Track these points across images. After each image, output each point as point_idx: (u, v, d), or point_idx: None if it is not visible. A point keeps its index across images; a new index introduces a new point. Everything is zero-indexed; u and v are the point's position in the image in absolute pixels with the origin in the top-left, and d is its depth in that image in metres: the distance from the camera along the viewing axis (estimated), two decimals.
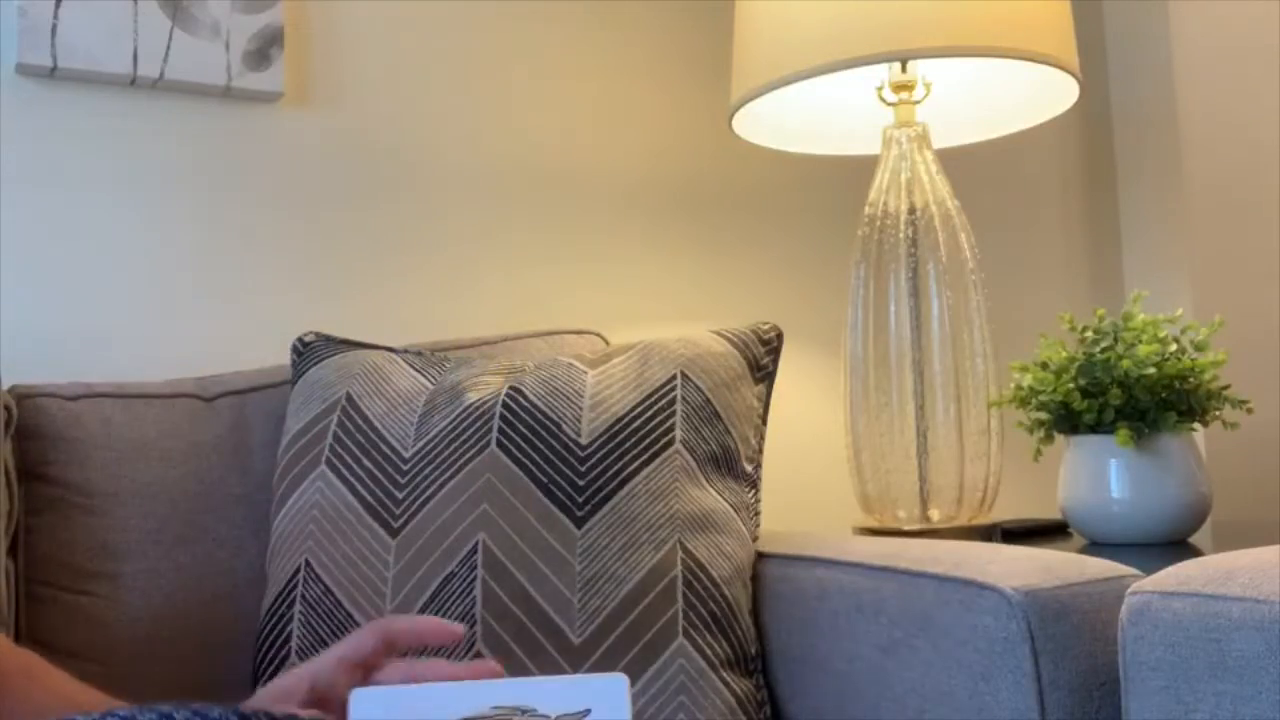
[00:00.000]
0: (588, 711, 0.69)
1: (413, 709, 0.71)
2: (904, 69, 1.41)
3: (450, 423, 1.06)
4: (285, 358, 1.28)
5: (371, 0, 1.46)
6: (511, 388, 1.07)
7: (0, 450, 1.04)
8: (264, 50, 1.36)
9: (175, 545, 1.10)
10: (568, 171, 1.56)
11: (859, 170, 1.54)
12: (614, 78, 1.60)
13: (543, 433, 1.04)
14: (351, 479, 1.05)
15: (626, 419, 1.05)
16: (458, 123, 1.50)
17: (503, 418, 1.05)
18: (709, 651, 1.01)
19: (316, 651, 0.99)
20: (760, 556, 1.09)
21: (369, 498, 1.04)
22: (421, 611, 0.98)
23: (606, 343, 1.35)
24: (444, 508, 1.02)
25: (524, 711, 0.70)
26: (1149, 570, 0.82)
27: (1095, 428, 1.19)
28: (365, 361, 1.14)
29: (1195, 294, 1.77)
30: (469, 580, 0.99)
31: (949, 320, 1.38)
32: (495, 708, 0.71)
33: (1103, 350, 1.19)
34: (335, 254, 1.42)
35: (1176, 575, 0.77)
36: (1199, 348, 1.19)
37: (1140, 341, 1.18)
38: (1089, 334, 1.23)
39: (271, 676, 1.01)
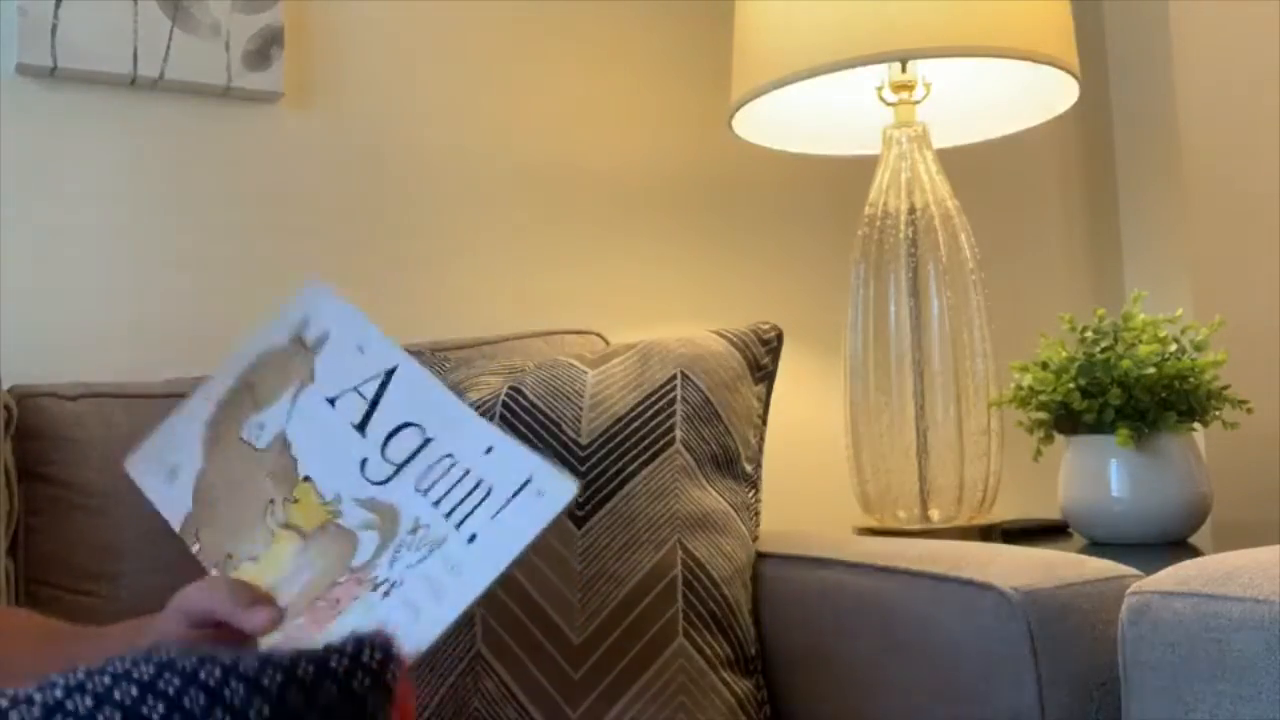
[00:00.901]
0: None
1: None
2: (904, 69, 1.41)
3: None
4: None
5: (372, 0, 1.46)
6: (511, 388, 1.07)
7: (0, 450, 1.04)
8: (264, 50, 1.36)
9: (174, 545, 1.09)
10: (568, 171, 1.55)
11: (859, 170, 1.54)
12: (614, 78, 1.60)
13: (542, 433, 1.04)
14: None
15: (626, 419, 1.05)
16: (458, 123, 1.50)
17: (503, 417, 1.05)
18: (709, 651, 1.01)
19: None
20: (760, 556, 1.09)
21: None
22: None
23: (606, 343, 1.35)
24: None
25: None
26: (1149, 570, 0.82)
27: (1095, 428, 1.19)
28: None
29: (1195, 294, 1.77)
30: None
31: (949, 320, 1.38)
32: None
33: (1103, 350, 1.19)
34: (335, 254, 1.42)
35: (1176, 575, 0.77)
36: (1199, 348, 1.19)
37: (1140, 341, 1.18)
38: (1089, 334, 1.23)
39: None
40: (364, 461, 0.71)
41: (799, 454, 1.64)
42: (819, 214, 1.70)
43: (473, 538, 0.64)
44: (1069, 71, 1.34)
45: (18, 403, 1.10)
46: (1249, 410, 1.20)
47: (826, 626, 1.01)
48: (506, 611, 0.98)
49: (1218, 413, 1.20)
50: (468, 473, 0.68)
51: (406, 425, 0.72)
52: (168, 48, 1.31)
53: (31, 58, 1.25)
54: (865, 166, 1.49)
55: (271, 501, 0.71)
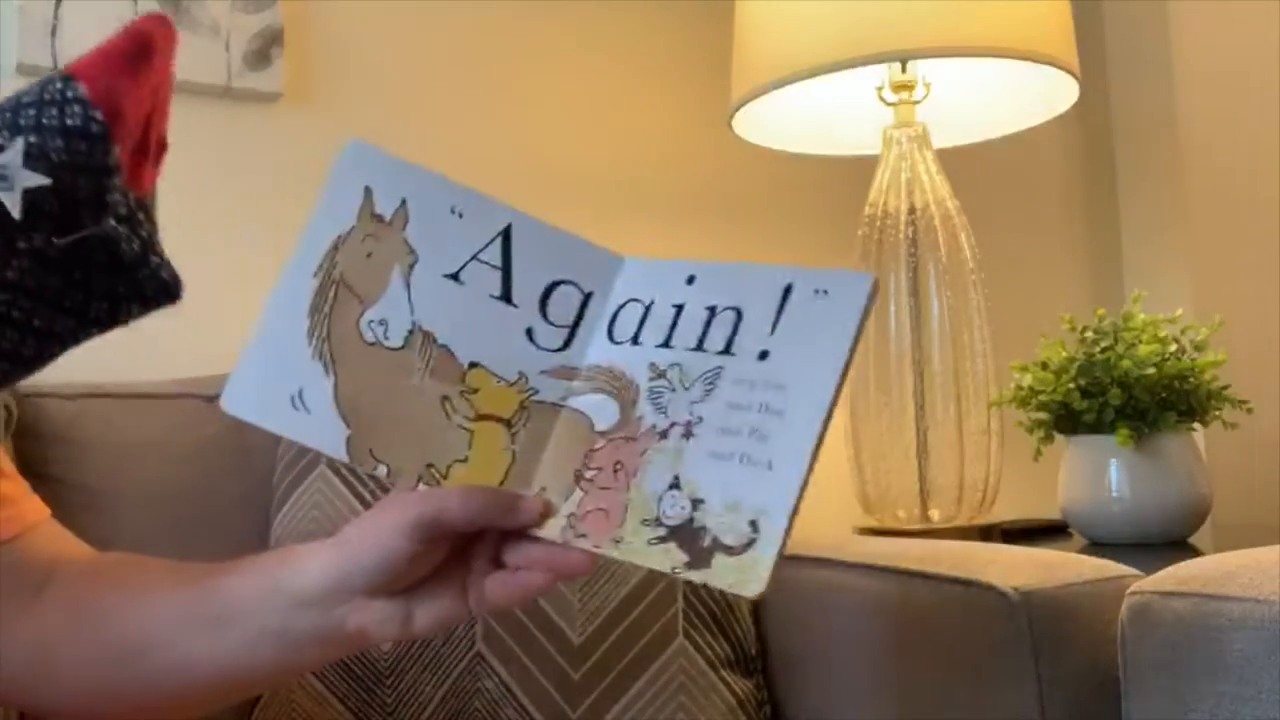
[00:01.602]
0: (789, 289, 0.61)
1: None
2: (904, 69, 1.41)
3: None
4: None
5: (372, 1, 1.46)
6: None
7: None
8: (264, 50, 1.36)
9: (176, 545, 1.09)
10: (567, 172, 1.55)
11: (859, 170, 1.54)
12: (614, 78, 1.60)
13: None
14: (351, 478, 1.05)
15: None
16: (457, 124, 1.50)
17: None
18: (709, 651, 1.01)
19: None
20: None
21: (369, 497, 1.03)
22: None
23: None
24: None
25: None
26: (1149, 570, 0.82)
27: (1095, 428, 1.19)
28: None
29: (1195, 294, 1.76)
30: None
31: (949, 320, 1.37)
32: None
33: (1103, 350, 1.19)
34: None
35: (1176, 575, 0.77)
36: (1199, 348, 1.19)
37: (1140, 341, 1.18)
38: (1089, 334, 1.23)
39: None
40: (529, 331, 0.65)
41: None
42: (819, 214, 1.69)
43: (764, 354, 0.60)
44: (1069, 71, 1.34)
45: (18, 403, 1.10)
46: (1249, 410, 1.20)
47: (826, 626, 1.01)
48: (506, 611, 0.98)
49: (1218, 413, 1.20)
50: (680, 308, 0.63)
51: (558, 284, 0.66)
52: None
53: (31, 58, 1.25)
54: (865, 166, 1.48)
55: (446, 398, 0.64)
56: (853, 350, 0.59)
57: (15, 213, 0.45)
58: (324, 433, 0.65)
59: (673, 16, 1.64)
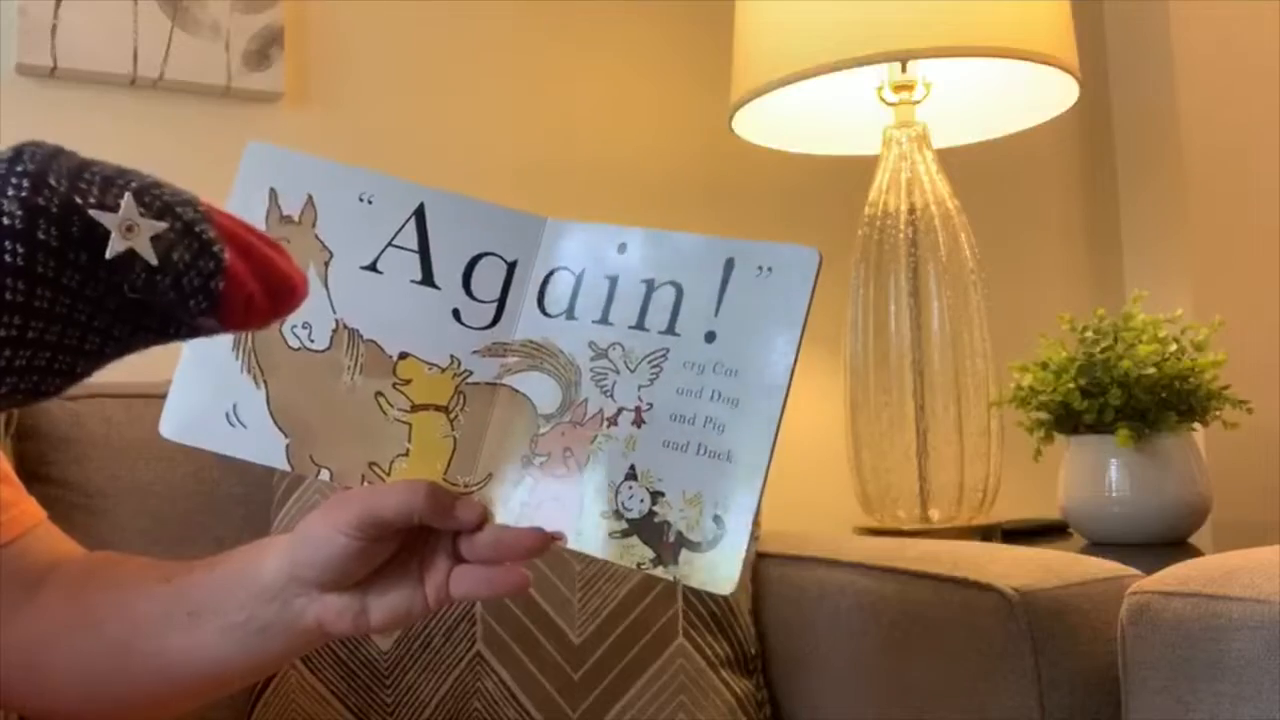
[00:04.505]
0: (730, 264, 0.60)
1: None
2: (904, 69, 1.41)
3: None
4: None
5: (372, 1, 1.46)
6: None
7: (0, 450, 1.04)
8: (264, 50, 1.36)
9: (175, 545, 1.09)
10: (568, 171, 1.55)
11: (859, 170, 1.54)
12: (614, 77, 1.60)
13: None
14: None
15: None
16: (458, 123, 1.50)
17: None
18: (709, 651, 1.01)
19: (316, 653, 0.99)
20: (760, 556, 1.09)
21: None
22: None
23: None
24: None
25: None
26: (1149, 570, 0.82)
27: (1095, 428, 1.19)
28: None
29: (1195, 294, 1.76)
30: None
31: (949, 320, 1.37)
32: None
33: (1103, 350, 1.19)
34: None
35: (1176, 575, 0.77)
36: (1199, 348, 1.19)
37: (1140, 341, 1.18)
38: (1089, 334, 1.23)
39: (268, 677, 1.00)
40: (456, 311, 0.63)
41: (799, 454, 1.63)
42: (819, 214, 1.69)
43: (710, 336, 0.59)
44: (1069, 71, 1.34)
45: None
46: (1249, 410, 1.20)
47: (826, 626, 1.01)
48: (506, 611, 0.98)
49: (1218, 413, 1.20)
50: (615, 280, 0.62)
51: (480, 257, 0.64)
52: (168, 48, 1.31)
53: (31, 58, 1.25)
54: (865, 166, 1.48)
55: (379, 394, 0.63)
56: (802, 332, 0.58)
57: (111, 254, 0.46)
58: (263, 445, 0.64)
59: (673, 16, 1.64)
